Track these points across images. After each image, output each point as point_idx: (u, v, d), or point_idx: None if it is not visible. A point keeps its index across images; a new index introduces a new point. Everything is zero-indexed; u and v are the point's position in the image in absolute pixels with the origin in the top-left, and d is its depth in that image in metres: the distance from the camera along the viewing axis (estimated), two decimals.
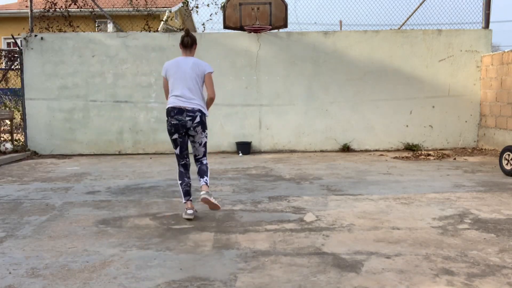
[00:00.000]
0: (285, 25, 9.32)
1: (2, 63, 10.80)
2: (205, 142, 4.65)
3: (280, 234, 4.03)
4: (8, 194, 5.80)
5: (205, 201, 4.42)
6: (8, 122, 10.20)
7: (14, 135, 10.02)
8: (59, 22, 10.56)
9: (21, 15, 16.25)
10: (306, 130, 9.59)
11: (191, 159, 4.70)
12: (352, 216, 4.58)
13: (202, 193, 4.44)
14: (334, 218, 4.51)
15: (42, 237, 4.05)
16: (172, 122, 4.53)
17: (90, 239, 3.98)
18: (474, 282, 3.00)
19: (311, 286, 2.98)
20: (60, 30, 10.42)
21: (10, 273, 3.25)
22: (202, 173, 4.60)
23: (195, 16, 15.80)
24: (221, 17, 9.34)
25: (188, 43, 4.64)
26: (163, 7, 15.45)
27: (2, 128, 10.35)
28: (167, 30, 12.16)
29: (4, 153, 8.89)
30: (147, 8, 11.08)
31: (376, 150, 9.56)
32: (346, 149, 9.53)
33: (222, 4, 9.37)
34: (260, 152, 9.55)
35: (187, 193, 4.57)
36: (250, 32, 9.33)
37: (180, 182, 4.61)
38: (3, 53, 10.62)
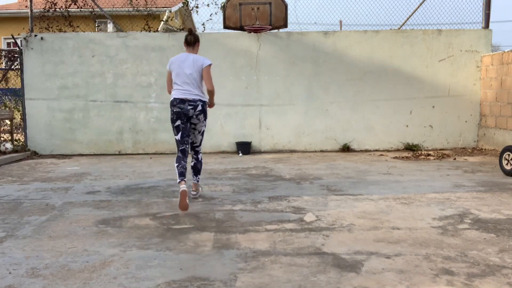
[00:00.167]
0: (285, 25, 9.32)
1: (2, 63, 10.80)
2: (204, 131, 5.26)
3: (280, 234, 4.03)
4: (8, 194, 5.80)
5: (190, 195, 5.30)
6: (8, 122, 10.21)
7: (14, 135, 10.02)
8: (59, 22, 10.56)
9: (21, 15, 16.26)
10: (306, 130, 9.59)
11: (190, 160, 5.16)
12: (352, 216, 4.58)
13: (193, 193, 5.29)
14: (334, 218, 4.51)
15: (42, 237, 4.05)
16: (175, 110, 5.00)
17: (90, 239, 3.98)
18: (474, 282, 3.00)
19: (311, 286, 2.98)
20: (60, 30, 10.43)
21: (10, 273, 3.25)
22: (196, 171, 5.29)
23: (195, 16, 15.79)
24: (221, 17, 9.34)
25: (191, 41, 5.12)
26: (163, 7, 15.46)
27: (2, 128, 10.36)
28: (167, 30, 12.16)
29: (4, 153, 8.89)
30: (147, 8, 11.08)
31: (376, 150, 9.56)
32: (346, 149, 9.54)
33: (222, 4, 9.37)
34: (260, 152, 9.55)
35: (181, 174, 4.97)
36: (250, 32, 9.33)
37: (177, 164, 5.03)
38: (3, 53, 10.61)
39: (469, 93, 9.58)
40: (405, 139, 9.61)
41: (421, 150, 9.38)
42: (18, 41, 9.70)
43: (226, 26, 9.33)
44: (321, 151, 9.60)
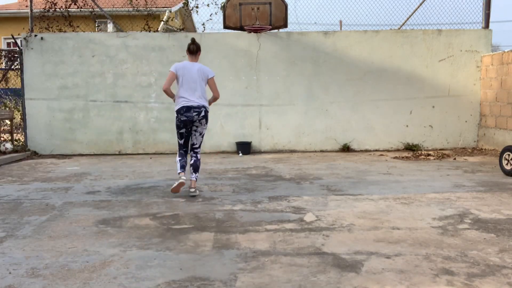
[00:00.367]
0: (285, 25, 9.32)
1: (2, 63, 10.80)
2: (204, 133, 5.66)
3: (280, 234, 4.03)
4: (8, 194, 5.80)
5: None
6: (8, 122, 10.21)
7: (14, 135, 10.02)
8: (59, 22, 10.57)
9: (21, 15, 16.25)
10: (306, 130, 9.59)
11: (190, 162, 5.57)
12: (352, 216, 4.58)
13: (192, 190, 5.49)
14: (334, 218, 4.51)
15: (42, 237, 4.05)
16: (182, 119, 5.44)
17: (90, 239, 3.98)
18: (474, 282, 3.00)
19: (311, 286, 2.98)
20: (60, 30, 10.43)
21: (10, 273, 3.25)
22: (195, 168, 5.56)
23: (195, 16, 15.83)
24: (221, 17, 9.35)
25: (194, 50, 5.56)
26: (163, 7, 15.45)
27: (2, 128, 10.36)
28: (167, 30, 12.16)
29: (4, 153, 8.89)
30: (147, 8, 11.08)
31: (376, 150, 9.56)
32: (346, 149, 9.54)
33: (222, 4, 9.37)
34: (260, 152, 9.55)
35: (182, 167, 5.51)
36: (250, 32, 9.33)
37: (179, 159, 5.56)
38: (3, 53, 10.62)
39: (469, 93, 9.58)
40: (405, 139, 9.61)
41: (421, 150, 9.38)
42: (18, 41, 9.70)
43: (226, 26, 9.33)
44: (321, 151, 9.60)
